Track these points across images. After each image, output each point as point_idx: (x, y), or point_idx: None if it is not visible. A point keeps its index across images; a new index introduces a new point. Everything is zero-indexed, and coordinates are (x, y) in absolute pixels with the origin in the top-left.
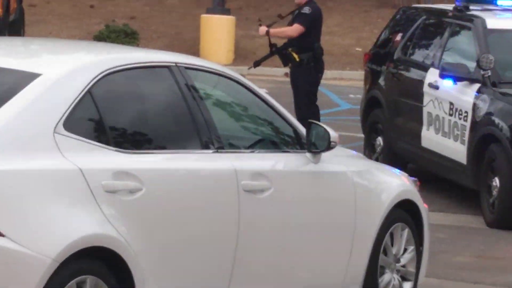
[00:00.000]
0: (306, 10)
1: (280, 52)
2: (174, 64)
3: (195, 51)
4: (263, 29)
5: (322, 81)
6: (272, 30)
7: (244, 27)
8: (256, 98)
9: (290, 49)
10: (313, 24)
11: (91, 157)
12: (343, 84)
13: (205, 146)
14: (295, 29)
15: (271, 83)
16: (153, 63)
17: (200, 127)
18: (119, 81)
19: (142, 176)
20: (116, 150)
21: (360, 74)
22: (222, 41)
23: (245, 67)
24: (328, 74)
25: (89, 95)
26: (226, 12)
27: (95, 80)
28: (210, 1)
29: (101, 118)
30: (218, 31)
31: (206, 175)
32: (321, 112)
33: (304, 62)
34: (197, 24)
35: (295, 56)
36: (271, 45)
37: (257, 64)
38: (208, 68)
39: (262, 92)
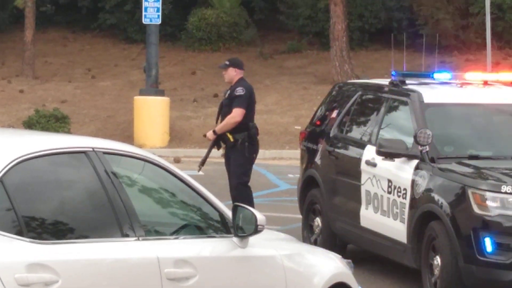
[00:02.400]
0: (241, 91)
1: (217, 137)
2: (91, 149)
3: (129, 134)
4: (210, 133)
5: (261, 162)
6: (217, 128)
7: (179, 108)
8: (180, 182)
9: (227, 133)
10: (248, 104)
11: (2, 249)
12: (282, 163)
13: (126, 234)
14: (237, 114)
15: (207, 165)
16: (69, 148)
17: (120, 214)
18: (33, 168)
19: (58, 268)
20: (30, 241)
21: (299, 153)
22: (156, 123)
23: (181, 149)
24: (267, 153)
25: (1, 184)
26: (160, 93)
27: (6, 168)
28: (143, 82)
29: (14, 208)
30: (152, 113)
31: (127, 264)
32: (260, 193)
33: (239, 142)
34: (130, 107)
35: (230, 136)
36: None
37: (203, 163)
38: (128, 152)
39: (186, 176)
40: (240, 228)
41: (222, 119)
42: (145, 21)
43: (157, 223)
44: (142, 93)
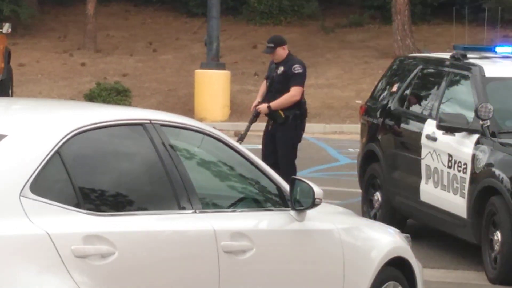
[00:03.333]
0: (299, 69)
1: (269, 112)
2: (148, 121)
3: (189, 108)
4: (264, 107)
5: (321, 136)
6: (273, 103)
7: (240, 82)
8: (238, 155)
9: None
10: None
11: (60, 221)
12: (343, 138)
13: (183, 206)
14: (297, 92)
15: None
16: (126, 120)
17: (177, 187)
18: (90, 140)
19: (114, 240)
20: (87, 213)
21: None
22: (217, 97)
23: (242, 123)
24: (328, 128)
25: (58, 156)
26: (221, 66)
27: (64, 140)
28: (204, 56)
29: (71, 180)
30: (213, 86)
31: (183, 237)
32: (320, 167)
33: (290, 118)
34: (191, 80)
35: (281, 113)
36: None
37: (242, 138)
38: (186, 125)
39: (244, 149)
40: (297, 201)
41: (273, 96)
42: None
43: (214, 196)
44: (203, 66)
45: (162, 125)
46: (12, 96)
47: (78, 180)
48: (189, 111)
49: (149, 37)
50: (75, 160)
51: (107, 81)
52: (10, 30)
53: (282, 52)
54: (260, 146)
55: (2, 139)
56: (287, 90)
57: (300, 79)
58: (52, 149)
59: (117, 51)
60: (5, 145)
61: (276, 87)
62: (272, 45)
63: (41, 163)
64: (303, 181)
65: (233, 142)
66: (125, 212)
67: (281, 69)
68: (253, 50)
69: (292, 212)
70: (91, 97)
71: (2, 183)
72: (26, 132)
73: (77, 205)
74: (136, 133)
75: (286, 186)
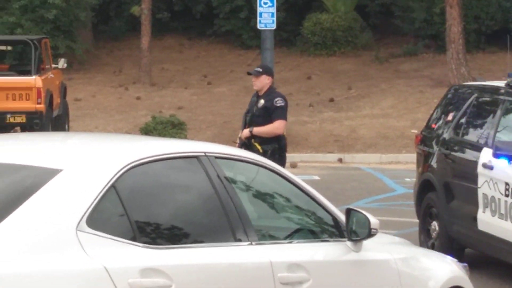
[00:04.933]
0: (281, 102)
1: (243, 144)
2: (203, 154)
3: None
4: (246, 131)
5: (377, 166)
6: (256, 130)
7: (294, 113)
8: (293, 186)
9: (252, 140)
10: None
11: (116, 254)
12: (399, 167)
13: (239, 238)
14: (281, 126)
15: (323, 169)
16: (180, 153)
17: (233, 219)
18: (145, 173)
19: (171, 273)
20: (143, 246)
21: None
22: None
23: (297, 154)
24: (384, 158)
25: (113, 190)
26: None
27: (119, 173)
28: None
29: (127, 213)
30: None
31: (240, 269)
32: (377, 197)
33: (268, 153)
34: None
35: (258, 147)
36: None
37: None
38: (240, 156)
39: (299, 180)
40: (353, 232)
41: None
42: (260, 26)
43: (270, 227)
44: None
45: (216, 157)
46: (68, 130)
47: (134, 213)
48: None
49: (204, 70)
50: (130, 193)
51: (163, 115)
52: (65, 65)
53: (265, 81)
54: (316, 177)
55: (58, 173)
56: (268, 124)
57: (282, 113)
58: (108, 183)
59: (172, 84)
60: (61, 180)
61: (257, 121)
62: (260, 70)
63: (97, 197)
64: (359, 211)
65: (288, 173)
66: (181, 245)
67: (261, 102)
68: (308, 81)
69: (349, 243)
70: (147, 130)
71: (59, 217)
72: (82, 166)
73: (133, 239)
74: (191, 166)
75: (342, 216)
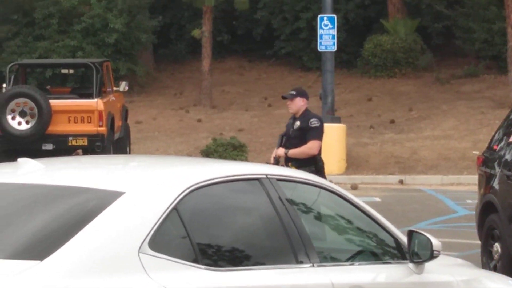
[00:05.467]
0: (316, 122)
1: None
2: (265, 176)
3: None
4: (281, 151)
5: (439, 187)
6: (291, 151)
7: (355, 135)
8: (354, 208)
9: (290, 163)
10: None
11: (179, 277)
12: (461, 189)
13: (300, 260)
14: (315, 146)
15: (384, 191)
16: (242, 175)
17: (295, 241)
18: (207, 195)
19: None
20: (205, 268)
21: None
22: (333, 150)
23: (358, 176)
24: (445, 179)
25: (175, 212)
26: (337, 120)
27: (181, 196)
28: (319, 109)
29: (189, 235)
30: (328, 140)
31: None
32: (438, 219)
33: None
34: None
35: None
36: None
37: None
38: (302, 179)
39: (360, 201)
40: (415, 254)
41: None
42: (320, 48)
43: (332, 249)
44: None
45: (278, 179)
46: (129, 153)
47: (196, 236)
48: None
49: (264, 92)
50: (192, 215)
51: (223, 137)
52: (127, 88)
53: (300, 103)
54: (377, 199)
55: (120, 196)
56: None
57: (318, 133)
58: (170, 205)
59: (232, 106)
60: (123, 203)
61: (293, 142)
62: (294, 92)
63: (159, 219)
64: (421, 233)
65: (349, 195)
66: (243, 267)
67: (297, 124)
68: (368, 103)
69: (411, 265)
70: (208, 152)
71: (121, 240)
72: (144, 189)
73: (196, 261)
74: (253, 188)
75: (403, 238)
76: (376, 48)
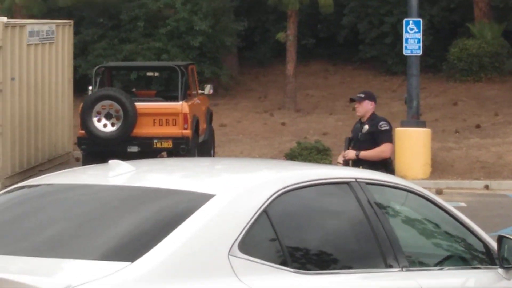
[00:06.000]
0: (385, 125)
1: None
2: (354, 180)
3: None
4: (351, 152)
5: None
6: (363, 153)
7: (440, 139)
8: (443, 212)
9: (361, 166)
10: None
11: (268, 279)
12: None
13: (390, 264)
14: (387, 149)
15: (469, 196)
16: (331, 179)
17: (384, 245)
18: (296, 199)
19: None
20: (294, 271)
21: None
22: (418, 155)
23: (443, 180)
24: None
25: (265, 215)
26: (422, 124)
27: (270, 199)
28: (404, 114)
29: (278, 238)
30: (413, 144)
31: None
32: None
33: None
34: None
35: None
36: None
37: None
38: (391, 183)
39: (449, 205)
40: (505, 259)
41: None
42: (406, 52)
43: (420, 254)
44: (404, 124)
45: (367, 183)
46: (214, 156)
47: (285, 239)
48: None
49: (349, 95)
50: (281, 218)
51: (308, 140)
52: (211, 91)
53: (368, 107)
54: (463, 204)
55: (210, 199)
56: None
57: (388, 136)
58: (260, 208)
59: (316, 110)
60: (214, 205)
61: (362, 146)
62: (363, 95)
63: (249, 222)
64: (510, 238)
65: (438, 199)
66: (332, 271)
67: (365, 127)
68: (454, 107)
69: (500, 270)
70: (292, 156)
71: (212, 242)
72: (234, 192)
73: (285, 264)
74: (342, 192)
75: (492, 243)
76: (462, 52)
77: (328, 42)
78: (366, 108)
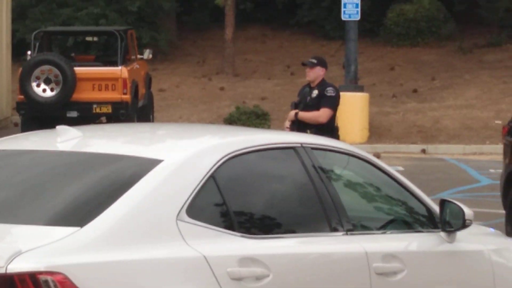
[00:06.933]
0: (331, 92)
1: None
2: (299, 145)
3: None
4: (292, 112)
5: (461, 157)
6: (301, 114)
7: (378, 104)
8: (386, 176)
9: (308, 130)
10: (337, 106)
11: (215, 244)
12: (483, 158)
13: (334, 228)
14: (326, 114)
15: (407, 160)
16: (277, 144)
17: (329, 209)
18: (243, 164)
19: (269, 262)
20: (241, 236)
21: (501, 147)
22: (355, 119)
23: (380, 144)
24: (467, 148)
25: (212, 180)
26: (359, 89)
27: (218, 164)
28: (342, 78)
29: (225, 203)
30: (351, 109)
31: (336, 259)
32: (461, 188)
33: None
34: None
35: None
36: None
37: None
38: (335, 147)
39: (392, 170)
40: (447, 222)
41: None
42: (344, 17)
43: (364, 217)
44: (341, 89)
45: (313, 148)
46: (153, 121)
47: (232, 204)
48: None
49: (287, 60)
50: (229, 183)
51: (246, 105)
52: (151, 56)
53: (319, 72)
54: (400, 168)
55: (158, 164)
56: None
57: (331, 102)
58: (207, 173)
59: (255, 75)
60: (161, 170)
61: (310, 110)
62: (315, 61)
63: (197, 187)
64: (453, 202)
65: (382, 163)
66: (278, 235)
67: (315, 92)
68: (391, 72)
69: (442, 234)
70: (231, 121)
71: (160, 207)
72: (182, 157)
73: (232, 228)
74: (288, 157)
75: (435, 207)
76: (399, 17)
77: (266, 7)
78: (317, 73)
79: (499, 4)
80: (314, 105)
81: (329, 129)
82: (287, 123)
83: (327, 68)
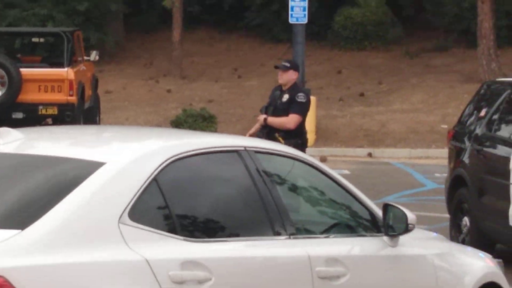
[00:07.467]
0: (302, 98)
1: (267, 137)
2: (243, 148)
3: None
4: (261, 117)
5: (407, 160)
6: (270, 120)
7: (325, 107)
8: (330, 181)
9: (277, 134)
10: (306, 112)
11: (157, 247)
12: (429, 162)
13: (277, 232)
14: (293, 121)
15: (353, 163)
16: (221, 147)
17: (272, 213)
18: (186, 167)
19: (211, 266)
20: (183, 239)
21: (446, 152)
22: None
23: (327, 148)
24: (413, 152)
25: (155, 183)
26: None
27: (160, 167)
28: None
29: (168, 206)
30: None
31: (278, 263)
32: (406, 192)
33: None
34: None
35: (281, 141)
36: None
37: None
38: (279, 151)
39: (336, 174)
40: (390, 227)
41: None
42: (291, 20)
43: (307, 221)
44: None
45: (256, 151)
46: (99, 123)
47: (175, 207)
48: None
49: (234, 63)
50: (172, 186)
51: (193, 107)
52: (97, 57)
53: (292, 76)
54: (346, 172)
55: (101, 166)
56: None
57: (301, 108)
58: (150, 176)
59: (202, 77)
60: (104, 173)
61: (280, 115)
62: (288, 65)
63: (139, 190)
64: (396, 206)
65: (325, 167)
66: (220, 238)
67: (286, 96)
68: (338, 75)
69: (385, 238)
70: (177, 123)
71: (101, 210)
72: (124, 160)
73: (174, 231)
74: (231, 160)
75: (378, 211)
76: (347, 20)
77: (214, 9)
78: (290, 77)
79: (446, 9)
80: (284, 110)
81: (298, 133)
82: (252, 130)
83: (299, 71)
